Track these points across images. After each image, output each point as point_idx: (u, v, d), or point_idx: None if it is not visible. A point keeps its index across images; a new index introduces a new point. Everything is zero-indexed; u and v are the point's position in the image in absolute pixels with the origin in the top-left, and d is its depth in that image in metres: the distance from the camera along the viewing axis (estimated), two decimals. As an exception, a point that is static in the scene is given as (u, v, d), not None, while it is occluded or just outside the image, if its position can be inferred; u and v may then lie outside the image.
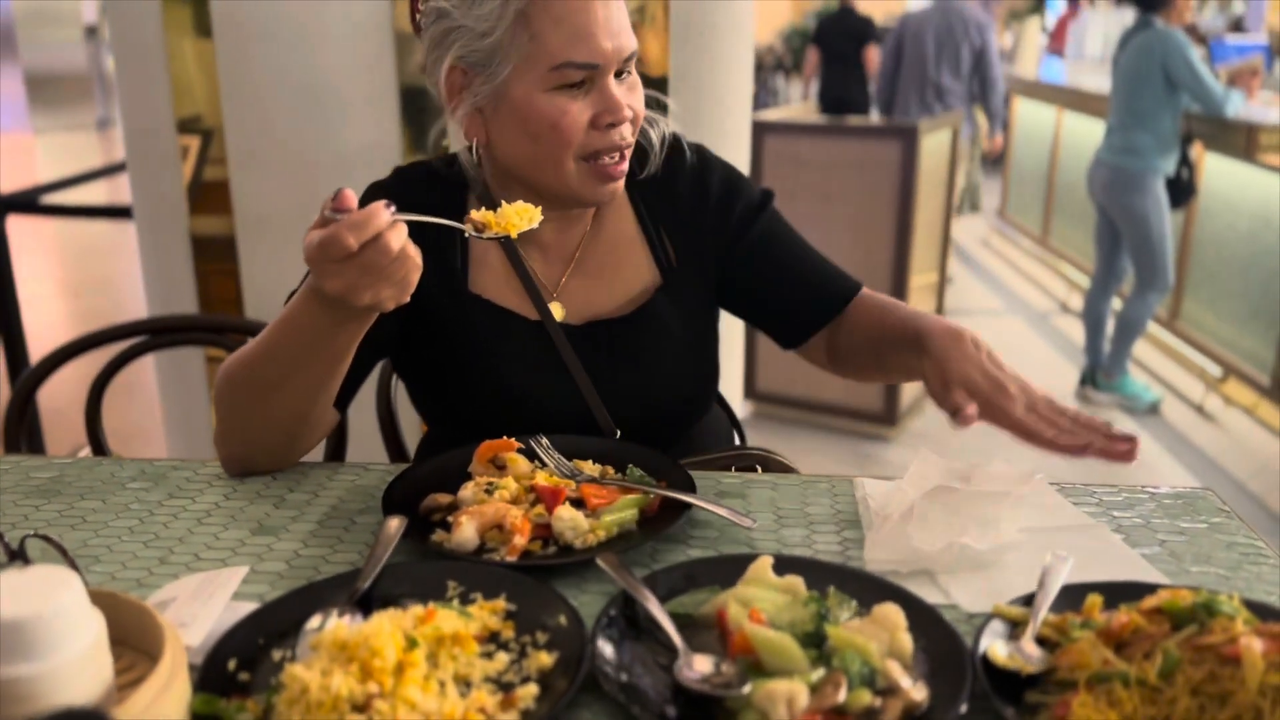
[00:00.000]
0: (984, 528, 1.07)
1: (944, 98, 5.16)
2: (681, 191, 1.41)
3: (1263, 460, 4.04)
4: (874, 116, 6.01)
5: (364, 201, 1.34)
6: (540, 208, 1.13)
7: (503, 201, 1.12)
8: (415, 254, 1.04)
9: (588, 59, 1.20)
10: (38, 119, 10.93)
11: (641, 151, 1.39)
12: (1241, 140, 4.41)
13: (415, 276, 1.05)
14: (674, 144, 1.43)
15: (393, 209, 1.02)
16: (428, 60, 1.30)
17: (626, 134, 1.26)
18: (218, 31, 2.34)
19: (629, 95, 1.26)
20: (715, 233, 1.41)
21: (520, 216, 1.11)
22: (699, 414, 1.45)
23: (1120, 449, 1.08)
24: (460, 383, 1.34)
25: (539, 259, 1.38)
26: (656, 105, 1.40)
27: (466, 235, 1.11)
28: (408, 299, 1.06)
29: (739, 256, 1.41)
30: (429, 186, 1.37)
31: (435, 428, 1.45)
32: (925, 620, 0.89)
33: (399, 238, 1.01)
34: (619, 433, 1.33)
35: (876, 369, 1.39)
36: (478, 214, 1.11)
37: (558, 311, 1.36)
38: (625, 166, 1.28)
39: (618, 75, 1.25)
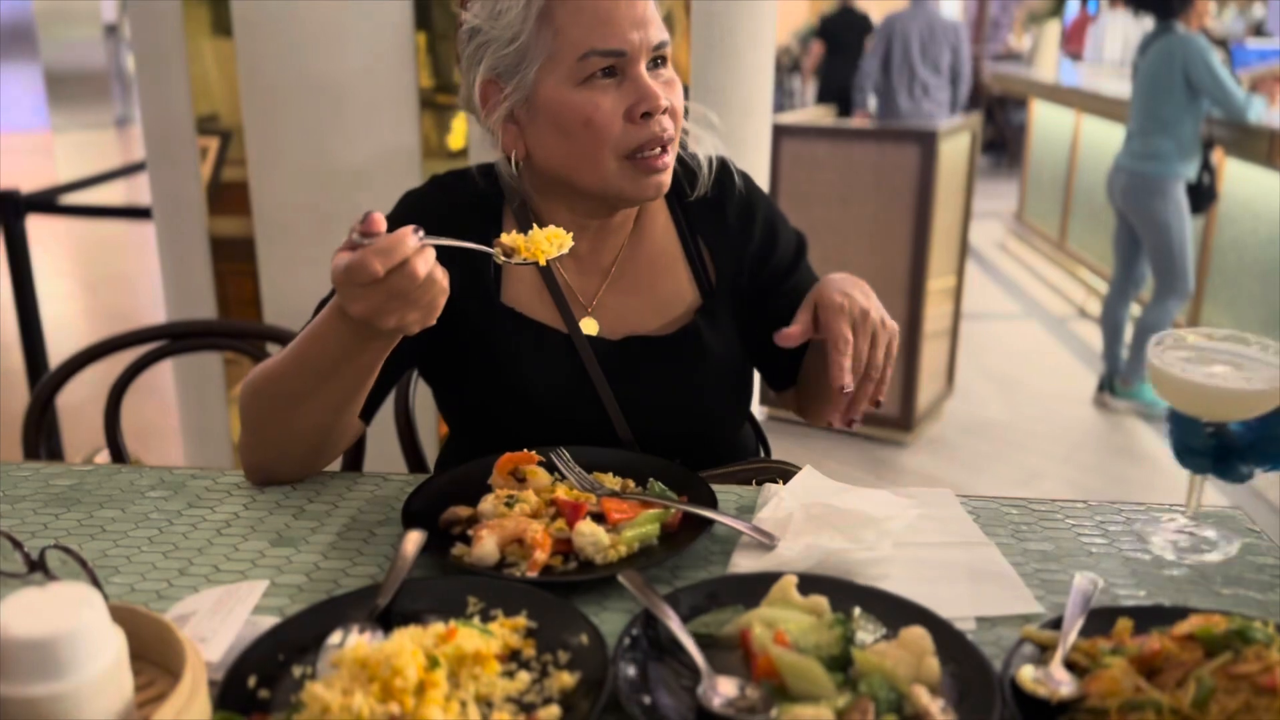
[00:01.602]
0: (852, 540, 1.06)
1: (929, 92, 5.66)
2: (730, 216, 1.40)
3: (1283, 469, 4.00)
4: (871, 105, 6.36)
5: (398, 209, 1.34)
6: (571, 234, 1.12)
7: (534, 225, 1.11)
8: (443, 278, 1.04)
9: (613, 45, 1.19)
10: (57, 117, 10.98)
11: (690, 171, 1.39)
12: (1263, 146, 4.37)
13: (442, 300, 1.05)
14: (723, 166, 1.42)
15: (421, 234, 1.01)
16: (465, 84, 1.30)
17: (666, 125, 1.24)
18: (238, 32, 2.34)
19: (665, 89, 1.24)
20: (752, 268, 1.41)
21: (550, 242, 1.10)
22: (730, 434, 1.44)
23: (845, 412, 1.16)
24: (486, 392, 1.34)
25: (574, 272, 1.37)
26: (702, 123, 1.39)
27: (497, 261, 1.10)
28: (434, 322, 1.06)
29: (766, 302, 1.41)
30: (464, 197, 1.37)
31: (459, 434, 1.45)
32: (953, 644, 0.88)
33: (426, 263, 1.01)
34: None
35: (812, 384, 1.41)
36: (507, 238, 1.10)
37: (590, 326, 1.35)
38: (669, 159, 1.26)
39: (652, 68, 1.24)
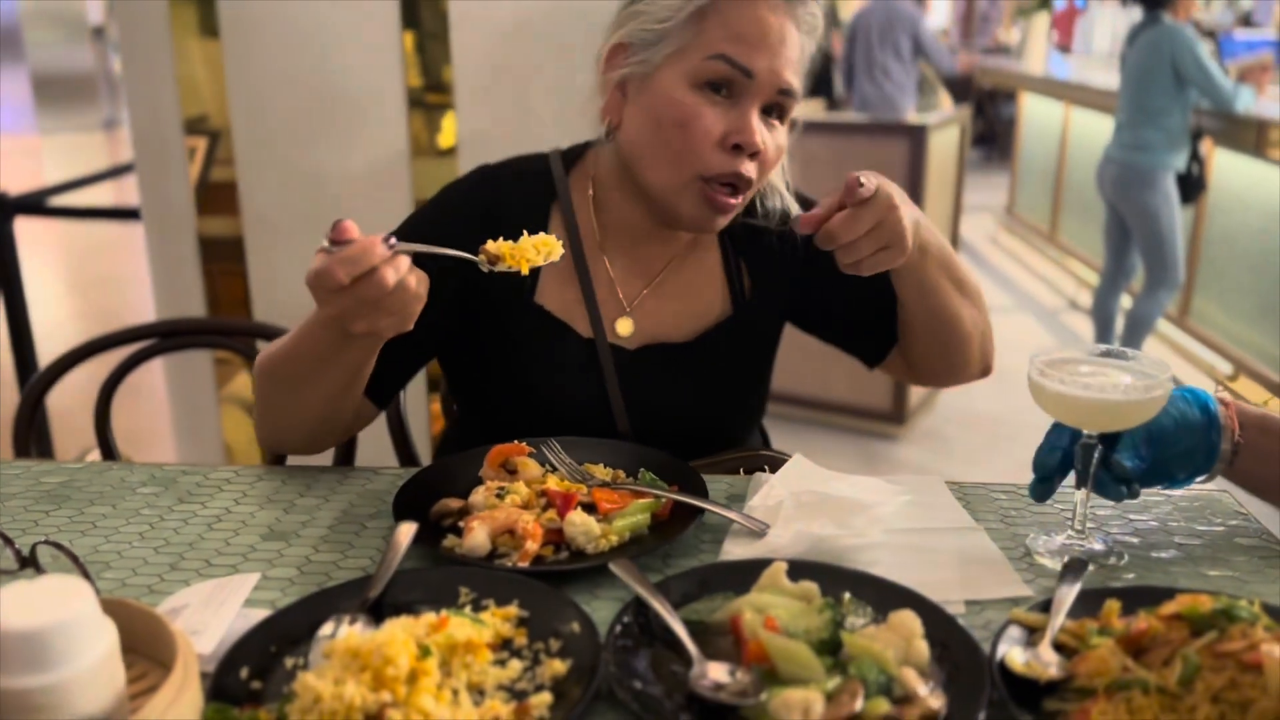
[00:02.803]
0: (841, 527, 1.07)
1: (890, 75, 6.19)
2: (773, 236, 1.42)
3: (1274, 457, 4.01)
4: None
5: (439, 199, 1.36)
6: (561, 242, 1.11)
7: (524, 231, 1.10)
8: (417, 285, 1.04)
9: (742, 60, 1.20)
10: (44, 120, 10.93)
11: (750, 209, 1.39)
12: (1251, 136, 4.39)
13: (417, 307, 1.05)
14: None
15: (392, 242, 1.01)
16: (605, 39, 1.30)
17: (750, 170, 1.24)
18: (225, 32, 2.34)
19: (769, 134, 1.24)
20: (795, 268, 1.42)
21: (537, 251, 1.09)
22: (737, 441, 1.45)
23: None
24: (499, 383, 1.35)
25: (621, 270, 1.38)
26: (783, 188, 1.41)
27: (482, 269, 1.09)
28: (410, 327, 1.06)
29: (818, 284, 1.42)
30: (511, 191, 1.37)
31: (467, 417, 1.46)
32: (942, 626, 0.88)
33: (397, 271, 1.01)
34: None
35: (917, 320, 1.36)
36: (493, 245, 1.09)
37: (626, 327, 1.36)
38: (737, 202, 1.26)
39: (766, 111, 1.24)
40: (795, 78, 1.24)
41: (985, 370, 1.45)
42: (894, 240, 1.13)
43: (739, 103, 1.22)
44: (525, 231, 1.10)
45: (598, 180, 1.37)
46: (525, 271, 1.09)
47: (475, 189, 1.37)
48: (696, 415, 1.38)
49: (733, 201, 1.25)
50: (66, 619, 0.71)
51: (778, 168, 1.35)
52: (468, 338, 1.35)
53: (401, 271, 1.02)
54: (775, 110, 1.26)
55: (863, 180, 1.10)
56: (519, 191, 1.36)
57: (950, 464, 3.98)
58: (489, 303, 1.27)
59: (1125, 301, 4.85)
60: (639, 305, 1.37)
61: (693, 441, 1.37)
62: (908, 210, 1.16)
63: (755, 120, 1.22)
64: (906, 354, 1.44)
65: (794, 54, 1.24)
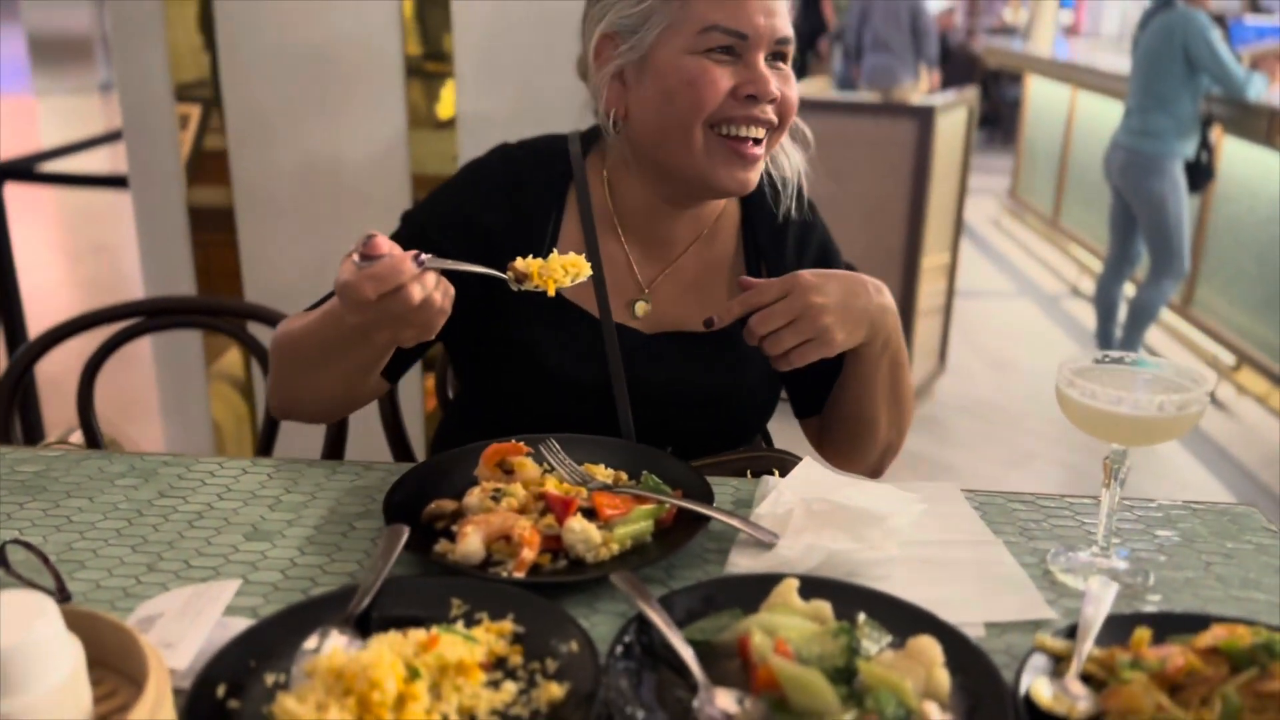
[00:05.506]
0: (855, 540, 1.02)
1: (891, 47, 6.53)
2: (789, 237, 1.40)
3: (1274, 449, 3.98)
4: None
5: (459, 179, 1.35)
6: (590, 263, 1.11)
7: (554, 251, 1.11)
8: (442, 299, 1.04)
9: (736, 25, 1.20)
10: (40, 81, 10.79)
11: (775, 193, 1.39)
12: (1262, 124, 4.32)
13: (440, 321, 1.05)
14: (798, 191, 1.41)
15: (422, 259, 1.01)
16: (583, 42, 1.30)
17: (770, 114, 1.23)
18: (218, -2, 2.27)
19: (781, 82, 1.24)
20: None
21: (565, 271, 1.09)
22: (741, 438, 1.40)
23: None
24: (506, 364, 1.32)
25: (639, 252, 1.35)
26: (797, 136, 1.37)
27: (511, 288, 1.10)
28: (431, 337, 1.07)
29: None
30: (531, 172, 1.35)
31: (466, 403, 1.44)
32: (963, 655, 0.83)
33: (423, 288, 1.01)
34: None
35: (843, 402, 1.37)
36: (521, 263, 1.09)
37: (642, 309, 1.34)
38: (760, 153, 1.25)
39: (770, 61, 1.24)
40: (786, 25, 1.24)
41: (874, 476, 1.43)
42: (817, 333, 1.17)
43: (743, 61, 1.22)
44: (555, 250, 1.12)
45: (610, 164, 1.35)
46: (551, 292, 1.09)
47: (496, 167, 1.36)
48: (705, 407, 1.33)
49: (755, 151, 1.24)
50: (27, 639, 0.66)
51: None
52: (480, 320, 1.32)
53: (429, 288, 1.02)
54: (777, 57, 1.25)
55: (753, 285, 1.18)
56: (538, 171, 1.35)
57: (949, 451, 3.94)
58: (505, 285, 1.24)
59: (1128, 289, 4.80)
60: (656, 289, 1.35)
61: (696, 435, 1.33)
62: (866, 300, 1.20)
63: (764, 69, 1.22)
64: (823, 423, 1.44)
65: (781, 3, 1.24)
